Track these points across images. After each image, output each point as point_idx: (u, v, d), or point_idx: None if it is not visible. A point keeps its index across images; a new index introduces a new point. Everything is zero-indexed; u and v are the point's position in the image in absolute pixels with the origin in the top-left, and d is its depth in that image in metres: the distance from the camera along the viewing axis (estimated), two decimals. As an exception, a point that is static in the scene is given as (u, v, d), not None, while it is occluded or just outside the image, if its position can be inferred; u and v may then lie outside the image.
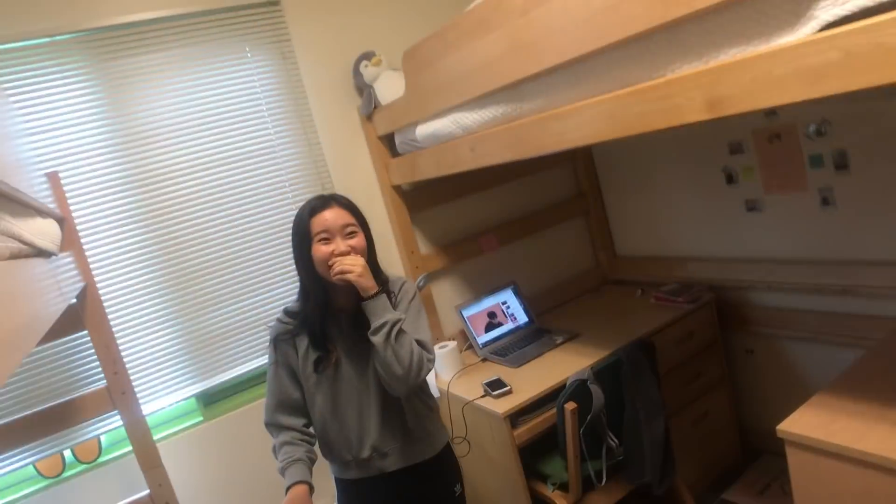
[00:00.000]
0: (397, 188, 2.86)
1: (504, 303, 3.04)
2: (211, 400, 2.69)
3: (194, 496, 2.51)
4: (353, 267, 1.66)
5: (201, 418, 2.61)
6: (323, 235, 1.70)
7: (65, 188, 2.15)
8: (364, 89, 2.77)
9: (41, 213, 1.51)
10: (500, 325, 2.97)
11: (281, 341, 1.82)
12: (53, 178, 2.09)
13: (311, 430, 1.86)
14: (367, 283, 1.68)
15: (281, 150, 2.73)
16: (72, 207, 2.18)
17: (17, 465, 2.29)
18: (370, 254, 1.77)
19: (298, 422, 1.83)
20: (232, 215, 2.63)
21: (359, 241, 1.73)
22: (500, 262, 3.22)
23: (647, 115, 1.45)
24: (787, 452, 1.73)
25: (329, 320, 1.79)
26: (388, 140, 2.82)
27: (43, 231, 1.33)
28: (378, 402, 1.80)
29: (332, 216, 1.71)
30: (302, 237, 1.73)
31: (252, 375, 2.73)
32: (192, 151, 2.56)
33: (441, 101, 2.20)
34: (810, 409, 1.77)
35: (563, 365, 2.53)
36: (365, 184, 2.88)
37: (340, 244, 1.69)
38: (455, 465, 2.00)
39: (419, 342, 1.73)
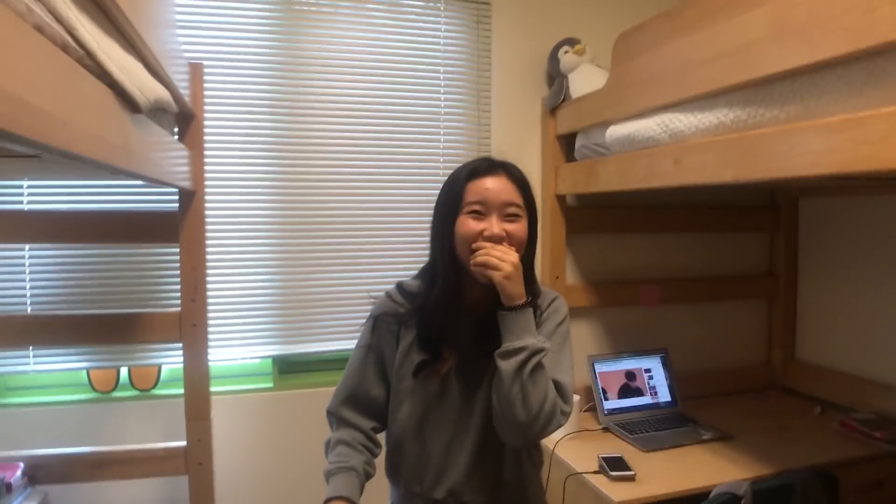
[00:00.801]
0: (561, 199, 2.46)
1: (647, 371, 2.51)
2: (288, 369, 2.40)
3: (232, 465, 2.24)
4: (501, 263, 1.26)
5: (271, 385, 2.34)
6: (476, 207, 1.31)
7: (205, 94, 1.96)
8: (556, 78, 2.41)
9: (155, 71, 1.24)
10: (636, 395, 2.45)
11: (383, 323, 1.45)
12: (195, 70, 1.89)
13: (378, 438, 1.47)
14: (514, 290, 1.28)
15: (445, 120, 2.42)
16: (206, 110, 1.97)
17: (73, 366, 2.14)
18: (528, 251, 1.37)
19: (367, 423, 1.45)
20: (370, 176, 2.34)
21: (519, 228, 1.32)
22: (655, 321, 2.71)
23: None
24: None
25: (451, 318, 1.39)
26: (567, 142, 2.44)
27: (143, 84, 1.04)
28: (477, 436, 1.38)
29: (494, 186, 1.32)
30: (450, 203, 1.35)
31: (342, 357, 2.40)
32: (350, 92, 2.30)
33: (650, 96, 1.77)
34: None
35: (708, 468, 2.01)
36: (526, 186, 2.50)
37: (495, 224, 1.30)
38: None
39: (557, 384, 1.30)
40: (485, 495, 1.39)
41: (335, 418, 1.47)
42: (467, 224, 1.31)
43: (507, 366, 1.25)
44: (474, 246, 1.29)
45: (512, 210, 1.32)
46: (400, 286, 1.48)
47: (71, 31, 0.72)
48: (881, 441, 2.21)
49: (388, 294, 1.48)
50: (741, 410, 2.60)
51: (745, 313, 2.93)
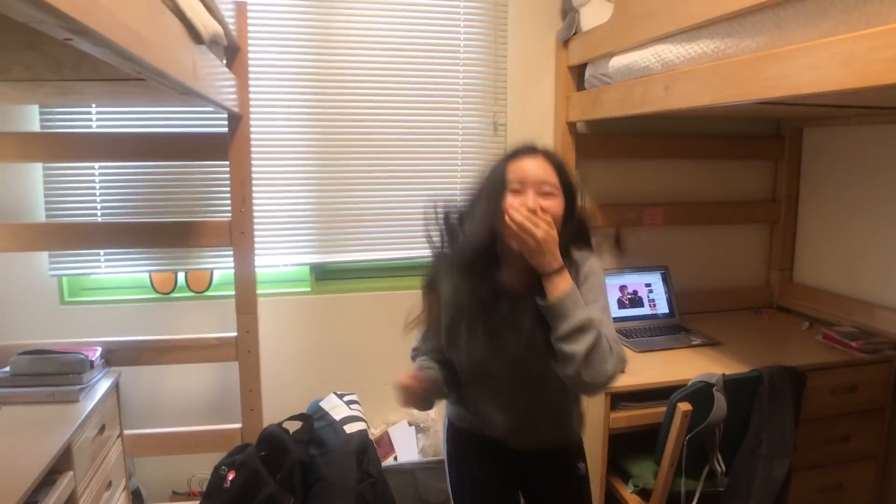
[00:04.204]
0: (571, 127, 2.64)
1: (648, 286, 2.74)
2: (324, 276, 2.68)
3: (275, 355, 2.54)
4: (535, 228, 1.36)
5: (309, 289, 2.63)
6: (515, 186, 1.44)
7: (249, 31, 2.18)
8: (569, 12, 2.56)
9: (210, 9, 1.47)
10: (637, 305, 2.69)
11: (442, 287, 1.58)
12: (241, 8, 2.12)
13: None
14: (544, 259, 1.38)
15: (465, 53, 2.62)
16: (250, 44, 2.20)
17: (137, 269, 2.44)
18: (565, 228, 1.46)
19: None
20: (398, 104, 2.57)
21: (554, 204, 1.44)
22: (659, 241, 2.91)
23: (897, 63, 1.13)
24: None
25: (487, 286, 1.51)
26: (578, 73, 2.61)
27: (205, 20, 1.28)
28: (540, 387, 1.58)
29: (532, 166, 1.46)
30: (494, 184, 1.47)
31: (372, 266, 2.70)
32: (379, 26, 2.51)
33: (648, 29, 1.94)
34: None
35: (692, 365, 2.24)
36: (540, 115, 2.71)
37: (530, 198, 1.42)
38: (581, 442, 1.79)
39: (609, 338, 1.42)
40: (542, 427, 1.64)
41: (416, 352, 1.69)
42: (508, 200, 1.42)
43: (569, 348, 1.36)
44: (506, 211, 1.39)
45: (547, 188, 1.44)
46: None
47: (159, -21, 0.97)
48: (856, 350, 2.40)
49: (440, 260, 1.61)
50: (734, 324, 2.80)
51: (746, 237, 3.09)
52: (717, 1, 1.60)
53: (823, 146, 2.90)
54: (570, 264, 1.46)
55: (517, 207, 1.39)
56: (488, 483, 1.72)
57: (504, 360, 1.55)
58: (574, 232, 1.51)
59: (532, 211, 1.39)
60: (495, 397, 1.61)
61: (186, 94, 1.31)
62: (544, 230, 1.36)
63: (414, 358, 1.67)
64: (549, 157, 1.50)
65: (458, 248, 1.56)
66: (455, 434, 1.77)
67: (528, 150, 1.51)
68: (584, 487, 1.77)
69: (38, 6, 0.54)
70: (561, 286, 1.39)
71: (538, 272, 1.41)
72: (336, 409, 2.26)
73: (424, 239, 1.62)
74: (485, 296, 1.50)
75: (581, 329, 1.37)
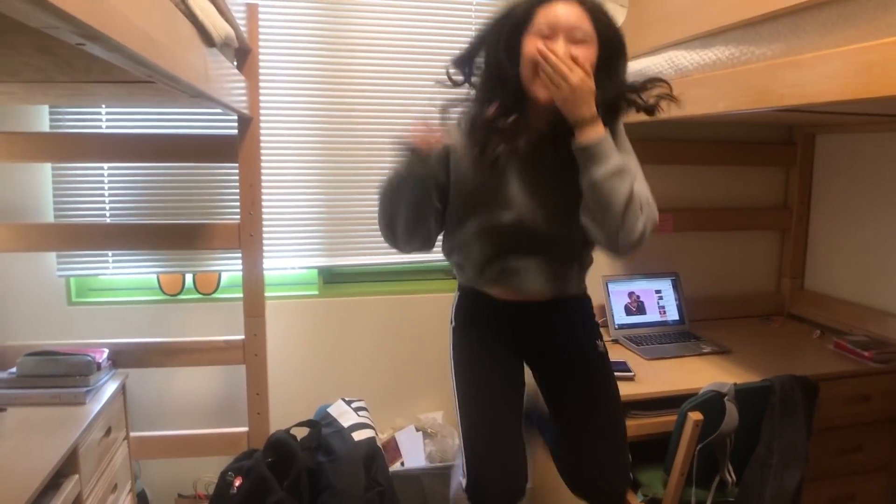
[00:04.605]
0: (583, 132, 2.61)
1: (658, 292, 2.72)
2: (332, 280, 2.68)
3: (282, 358, 2.54)
4: (570, 73, 1.25)
5: (317, 292, 2.62)
6: (545, 31, 1.32)
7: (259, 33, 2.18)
8: (581, 17, 2.53)
9: (222, 12, 1.47)
10: (646, 312, 2.67)
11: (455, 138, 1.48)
12: (252, 10, 2.11)
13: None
14: (578, 109, 1.28)
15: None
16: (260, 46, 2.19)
17: (145, 271, 2.44)
18: (601, 77, 1.34)
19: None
20: (407, 106, 2.55)
21: (586, 52, 1.32)
22: (668, 248, 2.89)
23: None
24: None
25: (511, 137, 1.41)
26: (590, 77, 2.57)
27: (216, 22, 1.27)
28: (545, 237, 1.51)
29: (565, 12, 1.33)
30: (514, 23, 1.36)
31: (380, 270, 2.70)
32: (387, 29, 2.50)
33: (660, 35, 1.94)
34: None
35: (702, 374, 2.23)
36: (550, 119, 2.67)
37: (560, 45, 1.30)
38: (594, 318, 1.74)
39: (643, 194, 1.38)
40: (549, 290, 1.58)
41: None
42: (533, 43, 1.32)
43: (607, 193, 1.31)
44: (539, 51, 1.29)
45: (580, 35, 1.32)
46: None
47: (172, -18, 0.96)
48: (869, 359, 2.38)
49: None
50: (745, 332, 2.78)
51: (757, 244, 3.07)
52: (731, 8, 1.59)
53: (836, 153, 2.87)
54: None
55: (549, 53, 1.29)
56: (491, 351, 1.65)
57: (532, 213, 1.49)
58: (613, 91, 1.40)
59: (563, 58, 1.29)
60: (518, 251, 1.54)
61: (197, 96, 1.31)
62: (580, 76, 1.27)
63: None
64: (586, 3, 1.37)
65: (477, 101, 1.46)
66: (465, 299, 1.71)
67: None
68: (605, 362, 1.71)
69: (53, 12, 0.53)
70: (595, 131, 1.32)
71: (569, 122, 1.32)
72: (344, 415, 2.24)
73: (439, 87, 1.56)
74: (511, 148, 1.42)
75: (615, 174, 1.31)
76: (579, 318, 1.72)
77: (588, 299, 1.76)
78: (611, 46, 1.38)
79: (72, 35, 0.63)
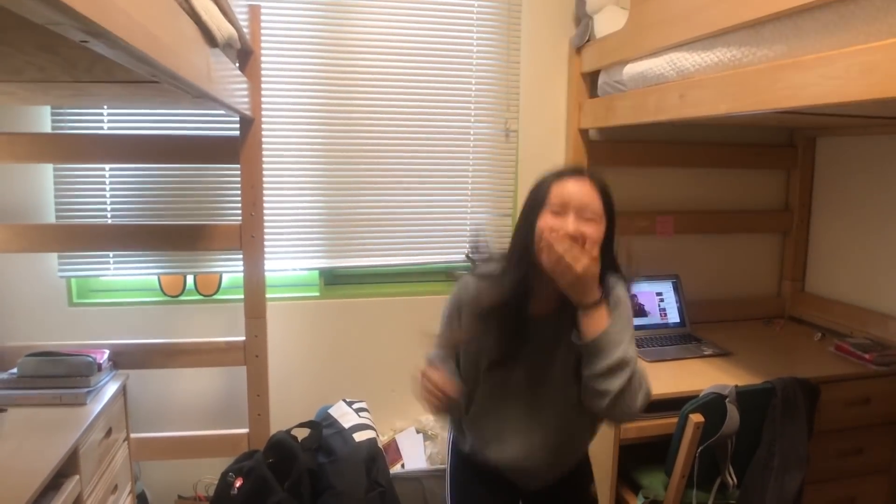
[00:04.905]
0: (584, 134, 2.63)
1: (659, 294, 2.72)
2: (333, 281, 2.68)
3: (283, 360, 2.54)
4: (575, 262, 1.31)
5: (318, 294, 2.62)
6: (556, 208, 1.39)
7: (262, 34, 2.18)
8: (582, 19, 2.55)
9: (225, 12, 1.47)
10: (647, 314, 2.67)
11: (466, 306, 1.53)
12: (254, 11, 2.12)
13: None
14: (581, 293, 1.36)
15: (478, 59, 2.61)
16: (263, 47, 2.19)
17: (146, 272, 2.44)
18: (603, 256, 1.41)
19: None
20: (408, 107, 2.56)
21: (594, 230, 1.38)
22: (669, 251, 2.89)
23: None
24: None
25: (517, 320, 1.48)
26: (592, 80, 2.59)
27: (219, 23, 1.27)
28: (555, 420, 1.56)
29: (575, 189, 1.40)
30: (535, 202, 1.44)
31: (381, 271, 2.70)
32: (390, 32, 2.50)
33: (662, 36, 1.92)
34: None
35: (703, 376, 2.22)
36: (552, 121, 2.70)
37: (570, 223, 1.36)
38: (590, 463, 1.78)
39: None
40: (555, 459, 1.60)
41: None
42: (546, 220, 1.38)
43: (604, 386, 1.36)
44: (546, 237, 1.35)
45: (589, 214, 1.38)
46: (480, 273, 1.56)
47: (175, -19, 0.96)
48: (870, 362, 2.38)
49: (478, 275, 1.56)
50: (746, 334, 2.78)
51: (759, 246, 3.07)
52: (733, 9, 1.58)
53: (837, 156, 2.87)
54: (601, 289, 1.42)
55: (556, 231, 1.36)
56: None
57: (530, 387, 1.54)
58: (611, 260, 1.48)
59: (572, 238, 1.35)
60: (514, 424, 1.57)
61: (200, 97, 1.31)
62: (584, 265, 1.32)
63: None
64: (596, 181, 1.44)
65: (496, 273, 1.51)
66: (459, 456, 1.73)
67: (573, 172, 1.46)
68: None
69: (57, 7, 0.52)
70: (598, 322, 1.37)
71: (573, 303, 1.39)
72: (345, 416, 2.24)
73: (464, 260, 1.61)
74: (517, 324, 1.48)
75: (617, 367, 1.36)
76: (574, 479, 1.73)
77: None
78: (613, 224, 1.46)
79: (75, 32, 0.63)
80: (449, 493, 1.76)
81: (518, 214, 1.52)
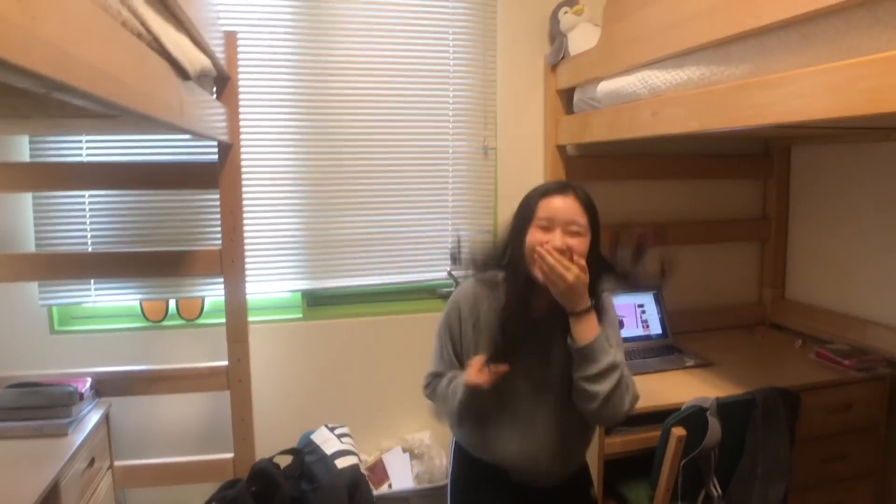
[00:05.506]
0: (561, 150, 2.65)
1: (640, 306, 2.74)
2: (316, 302, 2.68)
3: (267, 383, 2.53)
4: (566, 272, 1.39)
5: (301, 315, 2.62)
6: (544, 223, 1.46)
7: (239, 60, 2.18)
8: (556, 37, 2.58)
9: (198, 43, 1.47)
10: (627, 326, 2.69)
11: (465, 310, 1.60)
12: (230, 38, 2.12)
13: None
14: (572, 301, 1.42)
15: (454, 78, 2.63)
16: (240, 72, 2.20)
17: (127, 298, 2.43)
18: (592, 264, 1.46)
19: None
20: (387, 128, 2.58)
21: (580, 243, 1.45)
22: (650, 262, 2.90)
23: (879, 93, 1.13)
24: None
25: (518, 324, 1.54)
26: (567, 96, 2.62)
27: (191, 56, 1.28)
28: (555, 419, 1.59)
29: (562, 204, 1.47)
30: (523, 217, 1.51)
31: (364, 291, 2.70)
32: (366, 52, 2.52)
33: (633, 55, 1.95)
34: None
35: (685, 388, 2.24)
36: (529, 138, 2.72)
37: (557, 237, 1.43)
38: (589, 469, 1.81)
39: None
40: (556, 460, 1.61)
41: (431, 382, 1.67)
42: (534, 235, 1.46)
43: (593, 388, 1.42)
44: (537, 250, 1.42)
45: (575, 228, 1.45)
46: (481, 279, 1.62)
47: (143, 23, 0.97)
48: (850, 368, 2.41)
49: (468, 290, 1.62)
50: (728, 343, 2.81)
51: (738, 255, 3.10)
52: (702, 28, 1.61)
53: (811, 164, 2.92)
54: (590, 297, 1.48)
55: (545, 246, 1.42)
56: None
57: (529, 388, 1.58)
58: (598, 270, 1.52)
59: (560, 251, 1.42)
60: (514, 424, 1.60)
61: (172, 129, 1.31)
62: (575, 274, 1.39)
63: (428, 385, 1.68)
64: (580, 195, 1.50)
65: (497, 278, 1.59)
66: (463, 459, 1.75)
67: (559, 188, 1.51)
68: None
69: (17, 71, 0.53)
70: (589, 329, 1.44)
71: (565, 309, 1.45)
72: (327, 442, 2.24)
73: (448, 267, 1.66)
74: (517, 329, 1.53)
75: (607, 371, 1.43)
76: (574, 483, 1.75)
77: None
78: (598, 231, 1.52)
79: (38, 87, 0.64)
80: (450, 495, 1.78)
81: (498, 229, 1.59)
